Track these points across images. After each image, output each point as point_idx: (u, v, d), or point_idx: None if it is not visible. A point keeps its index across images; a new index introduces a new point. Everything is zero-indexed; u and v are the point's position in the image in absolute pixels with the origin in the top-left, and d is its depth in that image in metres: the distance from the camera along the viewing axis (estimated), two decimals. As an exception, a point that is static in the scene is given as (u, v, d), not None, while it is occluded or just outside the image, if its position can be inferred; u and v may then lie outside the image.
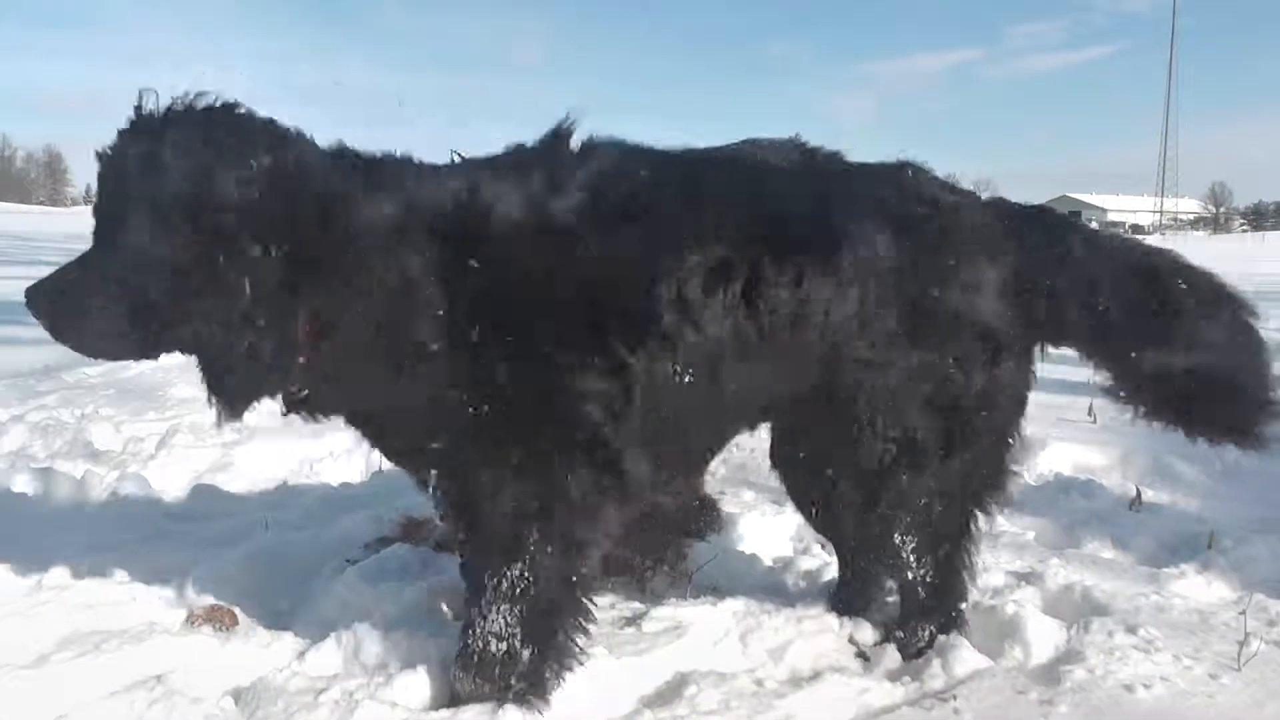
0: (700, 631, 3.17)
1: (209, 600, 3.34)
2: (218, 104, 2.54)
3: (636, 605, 3.48)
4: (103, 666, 2.84)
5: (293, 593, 3.57)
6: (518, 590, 2.65)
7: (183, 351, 2.57)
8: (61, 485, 4.71)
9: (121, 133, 2.52)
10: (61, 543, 3.78)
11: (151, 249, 2.39)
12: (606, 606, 3.48)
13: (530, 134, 2.84)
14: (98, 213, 2.53)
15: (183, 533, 4.16)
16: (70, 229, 38.22)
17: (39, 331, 2.58)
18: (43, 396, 6.68)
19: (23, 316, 2.57)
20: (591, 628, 2.82)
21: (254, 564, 3.68)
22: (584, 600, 2.78)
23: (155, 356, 2.63)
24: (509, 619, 2.65)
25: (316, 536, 3.95)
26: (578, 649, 2.78)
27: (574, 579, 2.72)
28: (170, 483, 4.89)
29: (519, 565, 2.65)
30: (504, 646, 2.66)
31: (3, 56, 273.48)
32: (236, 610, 3.29)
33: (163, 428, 5.57)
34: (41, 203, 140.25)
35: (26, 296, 2.52)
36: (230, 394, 2.55)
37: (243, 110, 2.56)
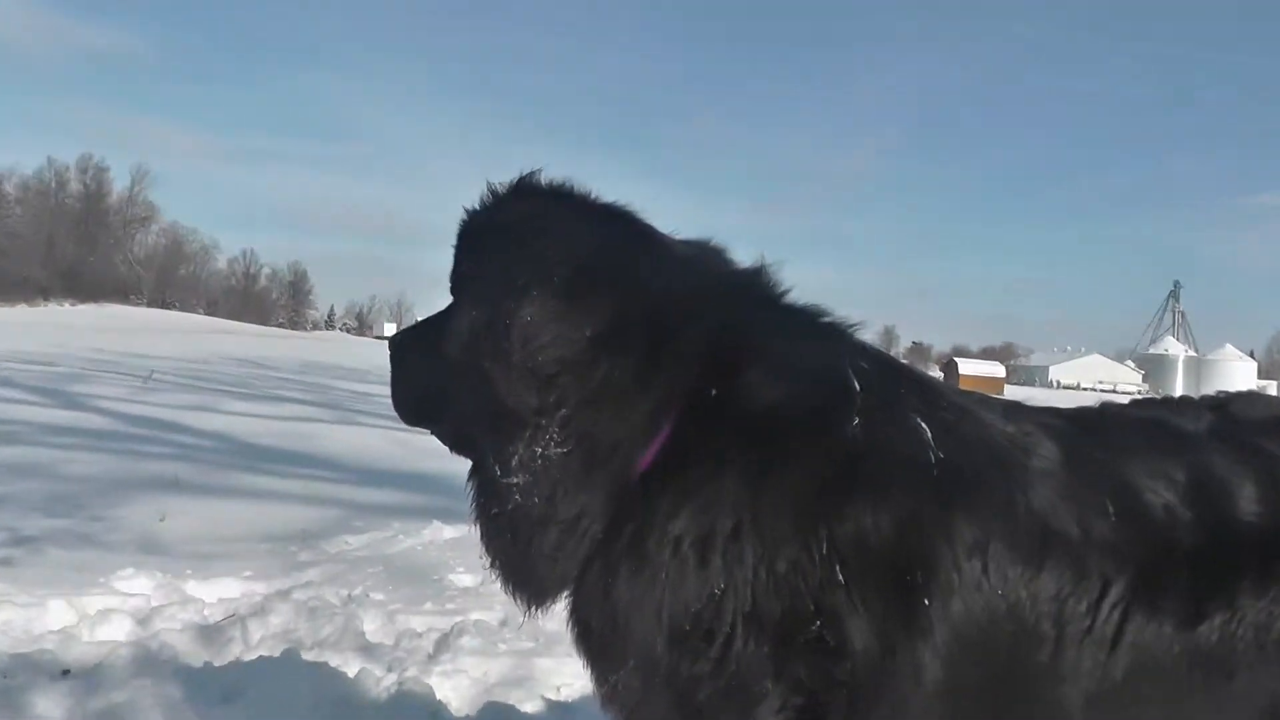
0: None
1: None
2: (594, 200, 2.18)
3: None
4: None
5: None
6: None
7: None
8: (334, 683, 4.03)
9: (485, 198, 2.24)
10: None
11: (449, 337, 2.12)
12: None
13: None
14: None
15: (484, 767, 3.27)
16: (308, 356, 38.34)
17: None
18: (305, 569, 6.08)
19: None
20: None
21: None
22: None
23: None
24: None
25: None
26: None
27: None
28: (455, 694, 4.08)
29: None
30: None
31: (254, 163, 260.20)
32: None
33: (443, 623, 4.81)
34: (280, 325, 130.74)
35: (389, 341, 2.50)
36: (526, 570, 2.10)
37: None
